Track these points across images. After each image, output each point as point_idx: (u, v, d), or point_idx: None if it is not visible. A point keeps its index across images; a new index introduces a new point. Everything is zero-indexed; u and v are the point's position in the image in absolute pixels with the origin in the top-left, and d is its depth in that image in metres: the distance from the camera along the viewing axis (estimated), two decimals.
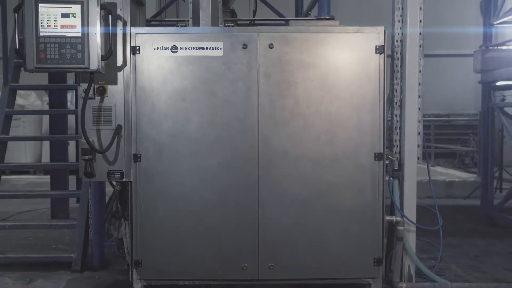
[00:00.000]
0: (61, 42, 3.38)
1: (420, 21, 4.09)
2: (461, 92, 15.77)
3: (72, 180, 7.21)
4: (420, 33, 4.09)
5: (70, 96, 9.29)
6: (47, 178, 10.77)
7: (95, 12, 3.40)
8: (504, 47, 6.97)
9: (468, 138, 14.34)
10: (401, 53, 4.11)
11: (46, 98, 11.91)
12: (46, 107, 11.44)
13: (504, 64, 6.39)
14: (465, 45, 14.05)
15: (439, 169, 10.87)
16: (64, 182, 6.74)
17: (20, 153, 11.47)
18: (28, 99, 11.74)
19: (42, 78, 6.35)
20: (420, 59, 4.10)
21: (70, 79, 8.03)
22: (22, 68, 5.44)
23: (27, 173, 11.72)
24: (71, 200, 7.00)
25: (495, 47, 6.75)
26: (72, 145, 7.66)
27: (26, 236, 5.88)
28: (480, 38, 7.01)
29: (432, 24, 15.92)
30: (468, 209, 7.72)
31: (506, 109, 12.55)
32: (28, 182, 10.48)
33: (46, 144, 11.93)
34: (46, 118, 11.71)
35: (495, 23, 6.65)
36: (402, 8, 4.10)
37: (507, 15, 6.57)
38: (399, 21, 4.12)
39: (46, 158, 11.77)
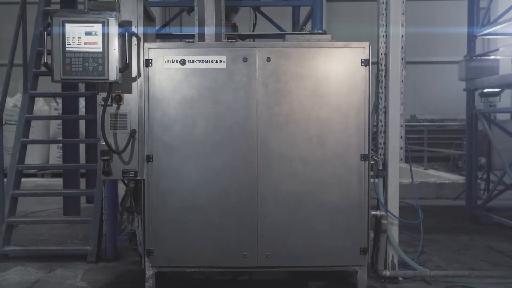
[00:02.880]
0: (85, 56, 3.82)
1: (402, 36, 4.54)
2: (455, 97, 16.24)
3: (81, 182, 7.69)
4: (402, 47, 4.55)
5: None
6: (54, 181, 11.34)
7: (114, 30, 3.85)
8: (490, 57, 7.42)
9: (461, 142, 14.78)
10: (385, 65, 4.57)
11: (54, 104, 12.43)
12: (54, 113, 12.03)
13: (485, 73, 6.86)
14: (458, 52, 14.58)
15: (431, 171, 11.29)
16: (76, 182, 7.22)
17: (28, 157, 11.91)
18: (36, 105, 12.15)
19: (50, 85, 6.82)
20: (402, 70, 4.56)
21: (81, 86, 8.49)
22: (40, 77, 6.00)
23: (35, 175, 12.16)
24: (82, 200, 7.49)
25: (478, 57, 7.20)
26: (81, 149, 8.10)
27: (41, 232, 6.30)
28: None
29: (426, 32, 16.39)
30: (455, 209, 8.15)
31: (498, 115, 12.96)
32: (37, 184, 10.91)
33: (53, 148, 12.45)
34: (53, 123, 12.22)
35: (478, 35, 7.12)
36: (386, 25, 4.56)
37: (489, 27, 7.04)
38: (383, 36, 4.59)
39: (53, 162, 12.28)
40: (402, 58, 4.55)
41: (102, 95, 4.05)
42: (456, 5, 16.66)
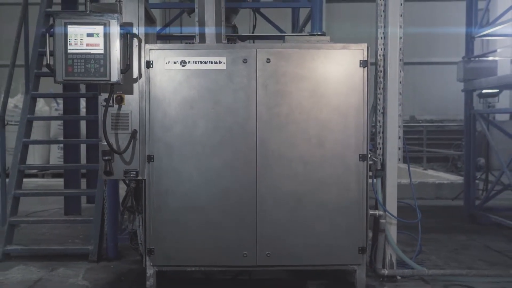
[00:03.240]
0: (86, 58, 3.87)
1: (400, 37, 4.59)
2: (454, 98, 16.30)
3: (82, 182, 7.75)
4: (400, 49, 4.59)
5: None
6: (55, 181, 11.41)
7: (115, 32, 3.90)
8: (488, 58, 7.48)
9: (460, 142, 14.84)
10: (383, 66, 4.62)
11: (54, 104, 12.49)
12: (54, 113, 12.10)
13: (483, 74, 6.91)
14: (458, 53, 14.64)
15: (430, 172, 11.33)
16: (77, 183, 7.28)
17: (29, 157, 11.95)
18: (37, 105, 12.20)
19: (50, 85, 6.88)
20: (400, 71, 4.60)
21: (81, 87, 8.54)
22: (41, 77, 6.05)
23: (35, 176, 12.22)
24: (82, 200, 7.54)
25: (477, 58, 7.25)
26: (82, 149, 8.15)
27: (43, 232, 6.35)
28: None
29: (425, 32, 16.43)
30: (454, 209, 8.19)
31: (498, 116, 13.00)
32: (38, 185, 10.95)
33: (53, 148, 12.51)
34: (54, 124, 12.29)
35: (476, 36, 7.17)
36: (384, 26, 4.61)
37: (488, 28, 7.10)
38: (381, 38, 4.63)
39: (53, 162, 12.35)
40: (400, 59, 4.60)
41: (104, 96, 4.11)
42: (455, 6, 16.71)
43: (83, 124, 7.88)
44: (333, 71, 4.24)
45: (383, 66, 4.62)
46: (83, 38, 3.88)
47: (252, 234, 4.27)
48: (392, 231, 4.60)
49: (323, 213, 4.28)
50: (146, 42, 4.22)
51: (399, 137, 4.63)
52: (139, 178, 4.22)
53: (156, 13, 6.96)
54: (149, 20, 4.51)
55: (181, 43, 5.25)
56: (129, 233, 4.60)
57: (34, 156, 12.18)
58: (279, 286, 4.69)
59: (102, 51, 3.89)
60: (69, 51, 3.87)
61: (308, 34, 5.19)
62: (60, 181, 9.30)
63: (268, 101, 4.23)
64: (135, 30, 4.13)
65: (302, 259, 4.32)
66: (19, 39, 5.78)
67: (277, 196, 4.27)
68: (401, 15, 4.56)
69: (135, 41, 4.14)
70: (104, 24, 3.88)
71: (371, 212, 4.46)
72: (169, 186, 4.25)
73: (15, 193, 5.50)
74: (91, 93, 6.81)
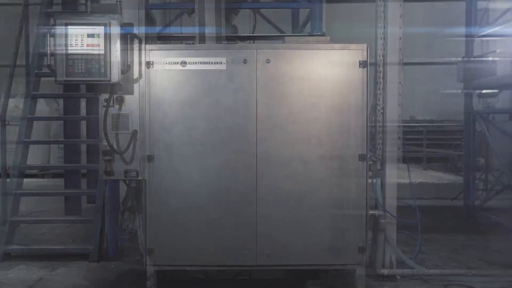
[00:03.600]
0: (87, 58, 3.88)
1: (400, 38, 4.60)
2: (454, 98, 16.24)
3: (82, 182, 7.76)
4: (400, 49, 4.60)
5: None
6: (55, 181, 11.37)
7: (116, 32, 3.90)
8: (488, 58, 7.47)
9: (460, 143, 14.82)
10: (383, 67, 4.63)
11: (54, 105, 12.47)
12: (54, 113, 12.07)
13: (483, 74, 6.91)
14: (457, 53, 14.59)
15: (430, 172, 11.34)
16: (77, 183, 7.28)
17: (29, 157, 11.97)
18: (37, 105, 12.20)
19: (50, 86, 6.90)
20: (400, 72, 4.61)
21: (82, 87, 8.54)
22: (41, 78, 6.06)
23: (36, 176, 12.21)
24: (83, 200, 7.55)
25: (476, 59, 7.25)
26: (82, 149, 8.16)
27: (43, 232, 6.37)
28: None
29: (425, 32, 16.38)
30: (454, 209, 8.17)
31: (498, 116, 13.00)
32: (38, 185, 10.91)
33: (54, 148, 12.50)
34: (54, 124, 12.27)
35: (475, 36, 7.18)
36: (384, 27, 4.62)
37: (487, 29, 7.11)
38: (381, 38, 4.65)
39: (54, 162, 12.33)
40: (400, 60, 4.61)
41: (104, 96, 4.13)
42: (455, 6, 16.70)
43: (83, 124, 7.89)
44: (332, 72, 4.25)
45: (382, 67, 4.63)
46: (84, 38, 3.89)
47: (252, 233, 4.29)
48: (392, 231, 4.61)
49: (323, 213, 4.30)
50: (146, 43, 4.24)
51: (399, 137, 4.65)
52: (139, 178, 4.24)
53: (156, 13, 6.97)
54: (149, 21, 4.53)
55: (181, 43, 5.25)
56: (130, 233, 4.60)
57: (34, 156, 12.16)
58: (279, 285, 4.70)
59: (102, 52, 3.90)
60: (69, 51, 3.88)
61: (308, 34, 5.20)
62: (60, 181, 9.29)
63: (268, 102, 4.24)
64: (135, 31, 4.15)
65: (302, 259, 4.33)
66: (20, 39, 5.79)
67: (276, 195, 4.28)
68: (400, 16, 4.57)
69: (136, 42, 4.15)
70: (105, 25, 3.89)
71: (371, 212, 4.46)
72: (169, 186, 4.27)
73: (15, 193, 5.51)
74: (92, 93, 6.81)
